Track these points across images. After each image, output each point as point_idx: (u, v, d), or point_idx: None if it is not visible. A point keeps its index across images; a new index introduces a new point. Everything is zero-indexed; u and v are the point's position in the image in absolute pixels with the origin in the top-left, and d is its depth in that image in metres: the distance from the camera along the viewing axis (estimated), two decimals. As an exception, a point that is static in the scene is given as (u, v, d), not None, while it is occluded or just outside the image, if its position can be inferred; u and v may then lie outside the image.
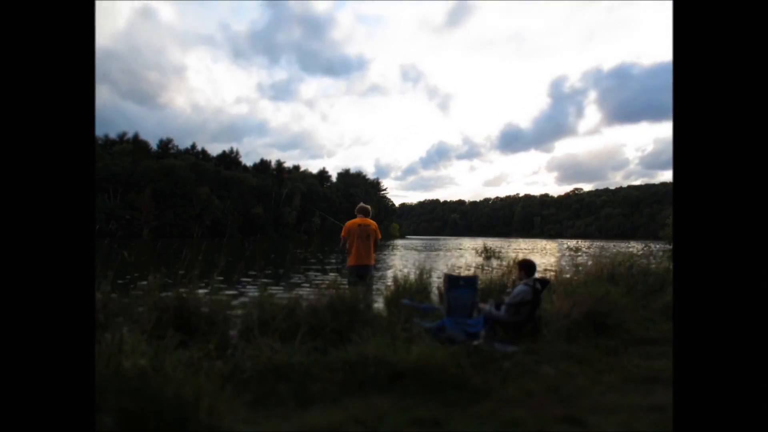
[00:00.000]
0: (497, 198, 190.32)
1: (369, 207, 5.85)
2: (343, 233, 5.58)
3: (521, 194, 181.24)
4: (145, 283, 3.62)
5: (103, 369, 2.19)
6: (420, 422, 2.44)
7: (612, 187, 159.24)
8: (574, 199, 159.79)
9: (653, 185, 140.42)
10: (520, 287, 4.52)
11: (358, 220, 5.66)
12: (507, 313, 4.43)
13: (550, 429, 2.43)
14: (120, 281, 3.72)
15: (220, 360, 2.77)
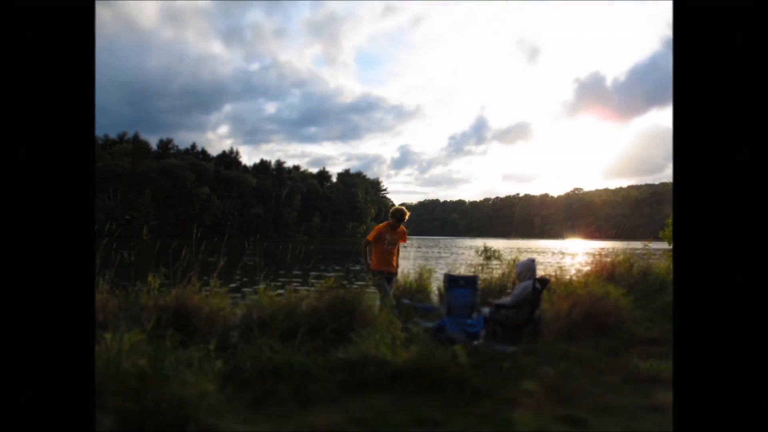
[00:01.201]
0: (497, 198, 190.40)
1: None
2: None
3: (521, 194, 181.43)
4: (143, 283, 3.62)
5: (103, 369, 2.19)
6: (420, 422, 2.44)
7: (612, 187, 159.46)
8: (574, 199, 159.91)
9: (653, 185, 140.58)
10: (523, 284, 4.53)
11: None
12: (509, 313, 4.42)
13: (550, 429, 2.43)
14: (120, 281, 3.72)
15: (220, 360, 2.77)
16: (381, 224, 5.18)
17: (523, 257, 5.35)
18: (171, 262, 3.76)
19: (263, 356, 2.95)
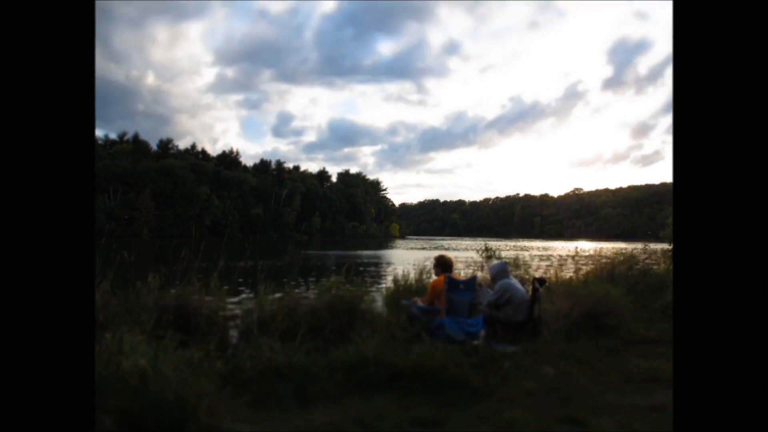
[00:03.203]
0: (497, 198, 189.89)
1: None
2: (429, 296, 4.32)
3: (521, 194, 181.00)
4: (141, 283, 3.62)
5: (103, 369, 2.19)
6: (420, 422, 2.44)
7: (612, 187, 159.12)
8: (574, 199, 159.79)
9: (653, 185, 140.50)
10: (498, 284, 4.55)
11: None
12: (507, 310, 4.42)
13: (550, 429, 2.43)
14: (120, 281, 3.72)
15: (220, 360, 2.77)
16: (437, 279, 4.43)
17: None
18: (171, 263, 3.76)
19: (263, 356, 2.95)
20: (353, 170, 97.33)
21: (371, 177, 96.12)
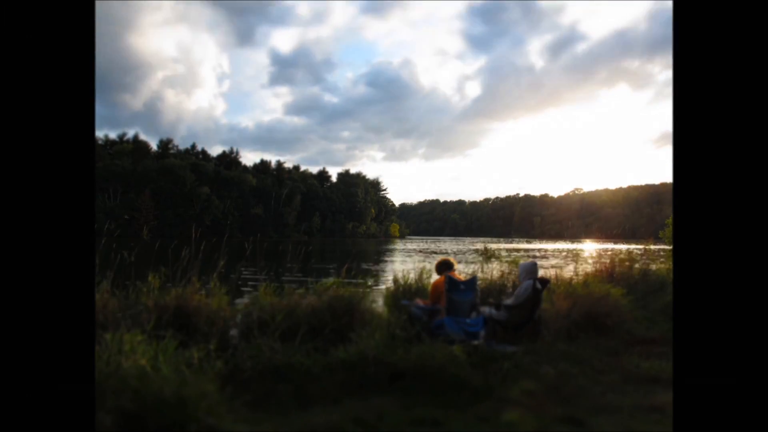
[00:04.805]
0: (497, 198, 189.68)
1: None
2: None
3: (521, 194, 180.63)
4: (141, 283, 3.62)
5: (103, 369, 2.19)
6: (420, 422, 2.44)
7: (612, 187, 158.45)
8: (574, 199, 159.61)
9: (653, 185, 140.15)
10: (523, 285, 4.51)
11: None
12: (509, 314, 4.41)
13: (550, 429, 2.43)
14: (120, 281, 3.71)
15: (220, 360, 2.77)
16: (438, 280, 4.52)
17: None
18: (171, 262, 3.76)
19: (263, 356, 2.95)
20: (378, 157, 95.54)
21: (399, 162, 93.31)
